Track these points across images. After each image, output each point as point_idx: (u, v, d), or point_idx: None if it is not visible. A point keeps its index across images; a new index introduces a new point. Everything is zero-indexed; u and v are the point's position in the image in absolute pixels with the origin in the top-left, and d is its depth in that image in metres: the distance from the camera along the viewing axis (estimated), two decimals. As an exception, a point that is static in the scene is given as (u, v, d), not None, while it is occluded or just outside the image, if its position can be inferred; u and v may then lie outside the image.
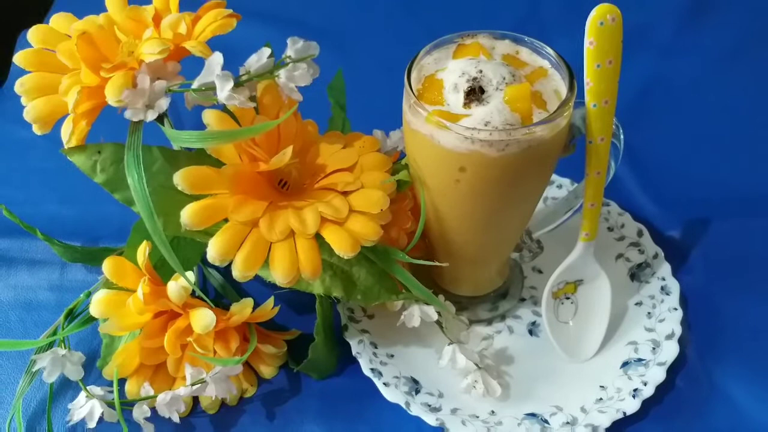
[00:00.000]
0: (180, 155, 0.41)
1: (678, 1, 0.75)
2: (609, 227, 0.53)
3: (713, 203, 0.56)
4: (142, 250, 0.43)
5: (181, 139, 0.36)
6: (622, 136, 0.41)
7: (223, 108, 0.40)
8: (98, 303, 0.42)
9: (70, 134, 0.39)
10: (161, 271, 0.44)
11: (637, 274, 0.50)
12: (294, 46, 0.40)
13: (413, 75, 0.39)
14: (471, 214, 0.40)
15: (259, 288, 0.46)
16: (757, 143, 0.61)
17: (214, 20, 0.41)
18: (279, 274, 0.38)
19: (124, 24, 0.42)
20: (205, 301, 0.43)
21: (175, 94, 0.38)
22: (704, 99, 0.65)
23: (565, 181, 0.55)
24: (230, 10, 0.42)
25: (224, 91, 0.37)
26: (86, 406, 0.41)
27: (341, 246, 0.39)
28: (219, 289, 0.50)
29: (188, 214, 0.37)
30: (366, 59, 0.69)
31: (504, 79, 0.37)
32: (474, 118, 0.36)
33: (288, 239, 0.39)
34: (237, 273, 0.37)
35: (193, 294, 0.47)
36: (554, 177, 0.55)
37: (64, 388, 0.46)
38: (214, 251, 0.37)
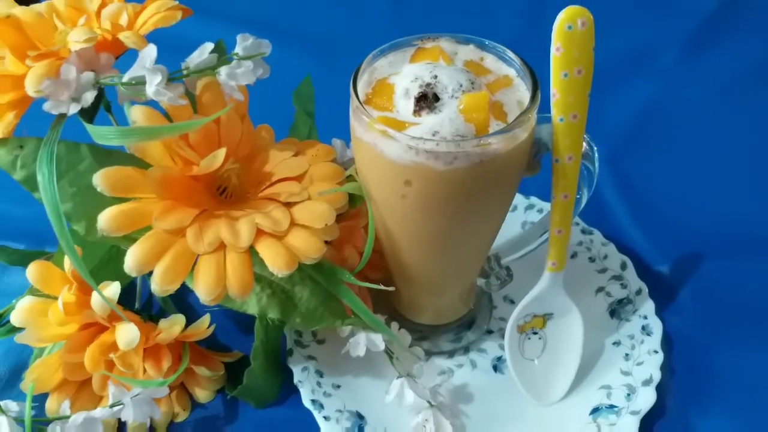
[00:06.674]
0: (115, 155, 0.38)
1: (684, 25, 0.70)
2: (590, 257, 0.48)
3: (709, 239, 0.51)
4: (70, 256, 0.39)
5: (100, 134, 0.33)
6: (596, 158, 0.37)
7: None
8: (20, 311, 0.39)
9: (-10, 125, 0.36)
10: (97, 278, 0.40)
11: (618, 310, 0.45)
12: (243, 43, 0.37)
13: (364, 78, 0.35)
14: (421, 233, 0.36)
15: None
16: (760, 179, 0.56)
17: (156, 12, 0.38)
18: (202, 290, 0.34)
19: (66, 13, 0.39)
20: (138, 313, 0.40)
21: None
22: (708, 129, 0.61)
23: (546, 206, 0.51)
24: (176, 3, 0.39)
25: (153, 85, 0.33)
26: (-7, 423, 0.37)
27: (276, 262, 0.35)
28: (161, 303, 0.46)
29: (106, 218, 0.34)
30: (349, 66, 0.66)
31: (461, 86, 0.33)
32: (422, 127, 0.32)
33: (217, 252, 0.35)
34: (155, 287, 0.34)
35: (128, 307, 0.44)
36: (534, 200, 0.51)
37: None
38: (131, 261, 0.34)
